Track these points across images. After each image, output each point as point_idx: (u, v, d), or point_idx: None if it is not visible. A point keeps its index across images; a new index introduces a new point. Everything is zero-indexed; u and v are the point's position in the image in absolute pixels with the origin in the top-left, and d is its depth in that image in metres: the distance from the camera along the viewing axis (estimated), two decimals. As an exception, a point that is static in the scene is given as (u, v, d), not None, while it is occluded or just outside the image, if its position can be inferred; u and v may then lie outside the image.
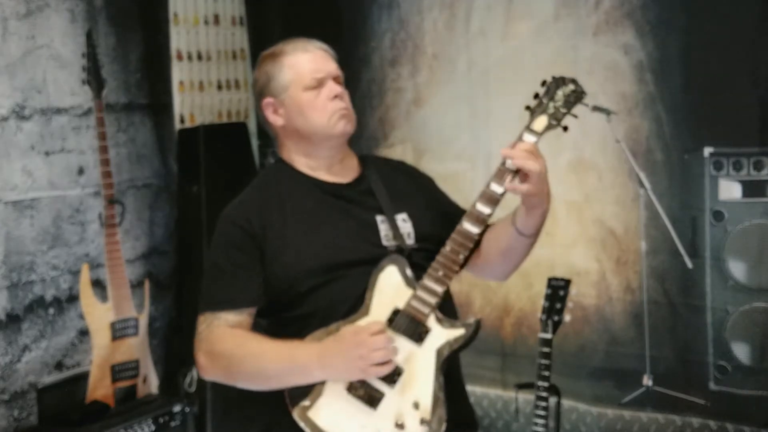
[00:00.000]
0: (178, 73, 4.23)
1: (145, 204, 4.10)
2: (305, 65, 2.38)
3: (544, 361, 3.26)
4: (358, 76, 4.15)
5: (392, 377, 2.20)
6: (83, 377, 3.71)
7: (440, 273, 2.25)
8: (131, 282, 3.92)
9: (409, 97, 4.09)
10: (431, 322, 2.24)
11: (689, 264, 3.59)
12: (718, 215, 3.53)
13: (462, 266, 2.30)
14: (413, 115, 4.11)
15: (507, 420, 4.00)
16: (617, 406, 3.79)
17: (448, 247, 2.26)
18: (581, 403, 3.84)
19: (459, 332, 2.25)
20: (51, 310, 3.63)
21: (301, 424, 2.22)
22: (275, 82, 2.38)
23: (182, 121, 4.25)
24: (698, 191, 3.55)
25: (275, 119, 2.41)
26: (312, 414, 2.22)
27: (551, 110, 2.29)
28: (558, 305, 3.29)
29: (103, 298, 3.78)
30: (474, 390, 3.98)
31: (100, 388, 3.72)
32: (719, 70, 3.49)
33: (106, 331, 3.74)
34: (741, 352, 3.56)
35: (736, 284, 3.53)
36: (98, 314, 3.73)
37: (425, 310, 2.24)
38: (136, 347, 3.85)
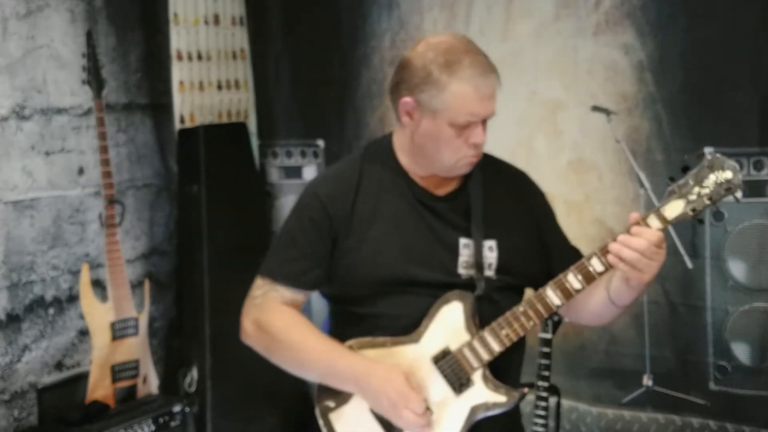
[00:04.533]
0: (178, 73, 4.22)
1: (145, 204, 4.10)
2: (471, 105, 2.09)
3: (544, 361, 3.26)
4: (358, 76, 4.15)
5: None
6: (83, 377, 3.70)
7: (504, 332, 2.13)
8: (131, 282, 3.91)
9: (410, 97, 4.08)
10: (477, 376, 2.15)
11: (689, 264, 3.58)
12: (718, 215, 3.53)
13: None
14: (413, 115, 4.09)
15: (507, 420, 3.99)
16: (617, 406, 3.79)
17: (521, 308, 2.13)
18: (581, 403, 3.83)
19: (500, 399, 2.15)
20: (51, 310, 3.63)
21: (320, 422, 2.21)
22: (430, 95, 2.11)
23: (182, 121, 4.25)
24: (698, 191, 3.55)
25: (406, 121, 2.18)
26: (333, 417, 2.21)
27: (693, 196, 2.00)
28: (558, 305, 3.29)
29: (103, 298, 3.78)
30: (474, 390, 3.99)
31: (100, 388, 3.71)
32: (719, 70, 3.49)
33: (106, 331, 3.74)
34: (741, 352, 3.55)
35: (736, 284, 3.53)
36: (98, 314, 3.72)
37: (475, 364, 2.14)
38: (136, 347, 3.85)
